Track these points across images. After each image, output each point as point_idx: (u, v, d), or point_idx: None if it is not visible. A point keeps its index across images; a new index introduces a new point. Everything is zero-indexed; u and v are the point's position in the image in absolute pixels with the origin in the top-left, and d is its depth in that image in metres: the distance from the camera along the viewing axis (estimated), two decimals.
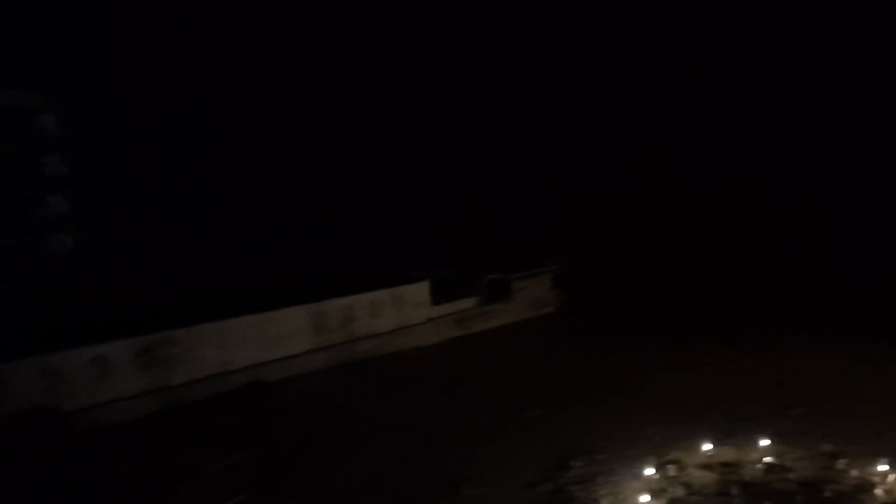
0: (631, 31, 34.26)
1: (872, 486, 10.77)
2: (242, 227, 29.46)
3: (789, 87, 32.64)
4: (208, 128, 33.93)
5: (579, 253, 27.29)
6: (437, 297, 22.45)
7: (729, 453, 11.98)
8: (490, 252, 27.02)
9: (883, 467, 11.05)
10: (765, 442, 12.02)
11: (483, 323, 22.44)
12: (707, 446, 12.06)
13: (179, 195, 33.08)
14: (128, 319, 17.83)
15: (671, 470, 11.43)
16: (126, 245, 30.97)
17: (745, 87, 33.35)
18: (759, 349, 18.82)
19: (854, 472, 11.16)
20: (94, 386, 15.62)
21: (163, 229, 30.34)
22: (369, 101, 34.17)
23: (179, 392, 16.65)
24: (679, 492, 10.83)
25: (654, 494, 10.61)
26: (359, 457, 13.00)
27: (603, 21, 34.36)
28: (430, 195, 32.12)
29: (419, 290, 22.17)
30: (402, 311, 21.57)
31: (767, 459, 11.61)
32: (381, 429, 14.44)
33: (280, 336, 18.87)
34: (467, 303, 23.21)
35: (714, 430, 12.67)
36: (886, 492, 10.62)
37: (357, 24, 35.05)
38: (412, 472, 12.14)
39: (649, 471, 11.37)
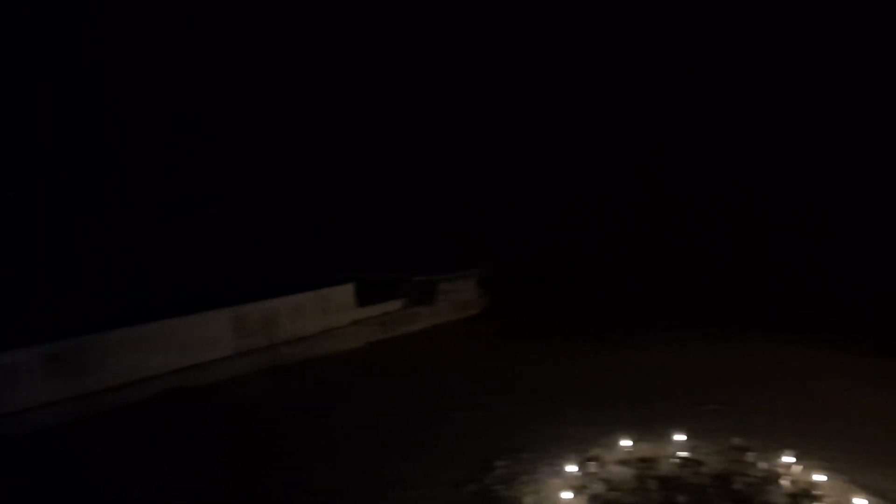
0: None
1: (778, 476, 11.35)
2: (173, 228, 28.46)
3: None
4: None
5: (507, 255, 27.65)
6: (363, 299, 22.36)
7: (646, 449, 12.38)
8: (418, 254, 27.06)
9: (788, 459, 11.67)
10: (680, 437, 12.47)
11: (408, 325, 22.46)
12: (626, 442, 12.43)
13: (109, 195, 31.60)
14: (40, 324, 17.05)
15: (592, 466, 11.73)
16: (43, 246, 29.49)
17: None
18: (679, 347, 19.52)
19: (762, 465, 11.74)
20: (1, 395, 14.88)
21: (89, 228, 28.93)
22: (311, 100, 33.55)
23: (94, 400, 16.03)
24: (599, 488, 11.13)
25: (576, 491, 10.87)
26: (282, 462, 12.82)
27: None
28: (364, 198, 31.85)
29: (343, 293, 22.04)
30: (327, 314, 21.39)
31: (682, 454, 12.06)
32: (304, 433, 14.28)
33: (200, 341, 18.43)
34: (393, 305, 23.22)
35: (633, 427, 13.06)
36: (792, 482, 11.22)
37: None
38: (337, 477, 12.07)
39: (571, 468, 11.65)
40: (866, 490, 11.08)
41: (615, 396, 15.67)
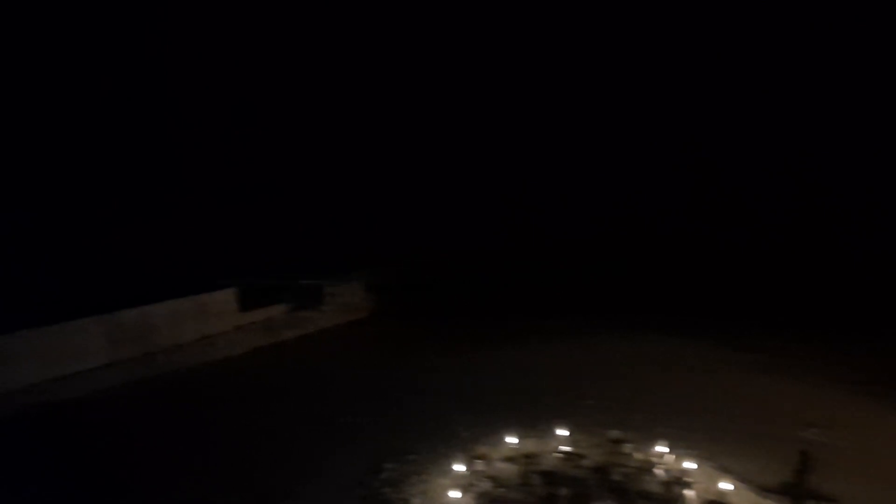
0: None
1: (653, 465, 11.92)
2: (44, 231, 26.56)
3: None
4: None
5: (395, 259, 27.63)
6: (246, 304, 21.70)
7: (531, 445, 12.68)
8: (305, 258, 26.56)
9: (662, 449, 12.27)
10: (562, 432, 12.84)
11: (294, 330, 21.97)
12: (511, 440, 12.68)
13: None
14: None
15: (479, 465, 11.89)
16: None
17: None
18: (562, 345, 20.08)
19: (637, 455, 12.28)
20: None
21: None
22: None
23: None
24: (486, 485, 11.30)
25: (463, 490, 10.99)
26: (164, 477, 12.23)
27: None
28: (249, 203, 30.94)
29: (224, 298, 21.30)
30: (207, 320, 20.61)
31: (564, 448, 12.43)
32: (179, 448, 13.67)
33: (70, 351, 17.32)
34: (277, 309, 22.66)
35: (518, 424, 13.34)
36: (665, 471, 11.80)
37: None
38: (224, 489, 11.64)
39: (458, 467, 11.76)
40: (732, 475, 11.84)
41: (501, 395, 15.96)
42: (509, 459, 12.23)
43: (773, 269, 28.34)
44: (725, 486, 11.22)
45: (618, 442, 12.70)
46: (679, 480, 11.42)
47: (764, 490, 11.16)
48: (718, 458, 12.50)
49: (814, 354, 18.80)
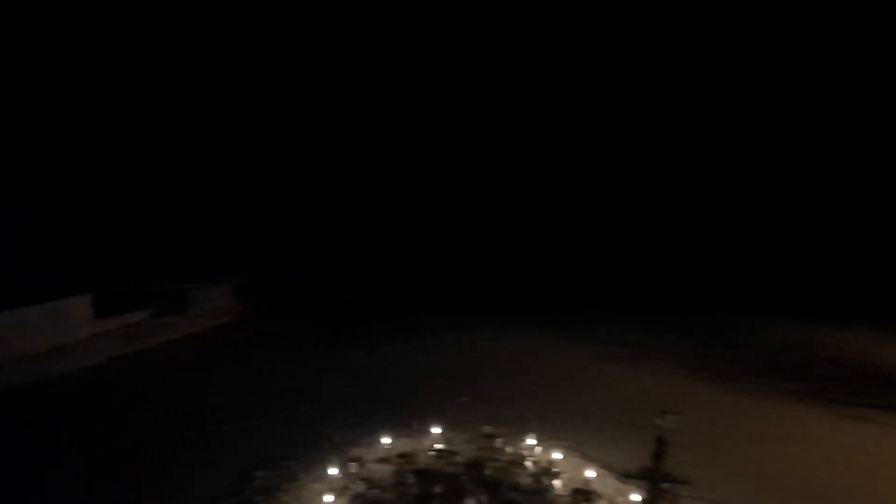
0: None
1: (523, 459, 12.27)
2: None
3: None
4: None
5: (265, 262, 26.93)
6: (104, 310, 20.44)
7: (405, 444, 12.72)
8: (170, 262, 25.37)
9: (531, 442, 12.67)
10: (435, 430, 12.97)
11: (157, 337, 20.94)
12: (385, 440, 12.67)
13: None
14: None
15: (352, 467, 11.80)
16: None
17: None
18: (429, 345, 20.30)
19: (508, 449, 12.61)
20: None
21: None
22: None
23: None
24: (360, 487, 11.23)
25: (337, 493, 10.86)
26: (17, 498, 11.31)
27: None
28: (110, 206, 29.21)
29: (79, 305, 19.99)
30: (60, 329, 19.25)
31: (438, 446, 12.56)
32: (33, 466, 12.70)
33: None
34: (139, 316, 21.51)
35: (392, 425, 13.36)
36: (534, 463, 12.18)
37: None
38: None
39: (332, 471, 11.62)
40: (597, 463, 12.40)
41: (375, 396, 15.93)
42: (383, 460, 12.22)
43: (630, 262, 29.93)
44: (590, 474, 11.72)
45: (489, 437, 12.97)
46: (548, 471, 11.82)
47: (625, 476, 11.75)
48: (583, 447, 13.05)
49: (658, 345, 20.05)
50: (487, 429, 13.32)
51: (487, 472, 11.90)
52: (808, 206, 32.23)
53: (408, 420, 13.77)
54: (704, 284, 26.58)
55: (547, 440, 12.94)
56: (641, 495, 10.78)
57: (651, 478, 10.77)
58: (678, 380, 17.36)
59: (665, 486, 10.82)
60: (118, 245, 26.80)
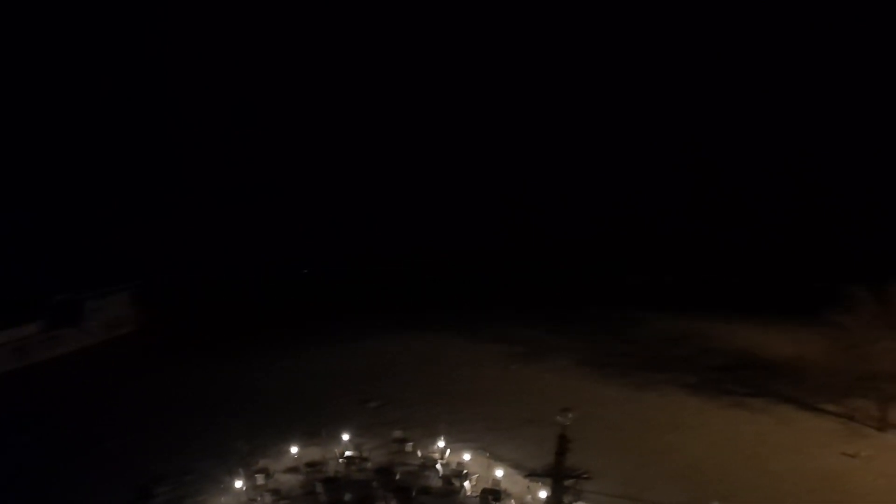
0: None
1: (434, 462, 12.42)
2: None
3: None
4: None
5: (167, 269, 25.91)
6: None
7: (314, 452, 12.64)
8: (66, 270, 24.06)
9: (441, 444, 12.83)
10: (345, 436, 12.95)
11: (50, 350, 19.89)
12: (293, 449, 12.55)
13: None
14: None
15: (259, 479, 11.64)
16: None
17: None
18: (339, 350, 20.12)
19: (419, 453, 12.74)
20: None
21: None
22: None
23: None
24: (267, 499, 11.10)
25: None
26: None
27: None
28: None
29: None
30: None
31: (348, 453, 12.54)
32: None
33: None
34: (29, 329, 20.28)
35: (300, 433, 13.24)
36: (445, 466, 12.35)
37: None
38: None
39: (238, 483, 11.42)
40: (505, 462, 12.69)
41: (282, 404, 15.72)
42: (291, 470, 12.13)
43: (531, 261, 30.40)
44: (499, 473, 11.99)
45: (400, 441, 13.05)
46: (458, 473, 12.01)
47: (532, 474, 12.06)
48: (492, 447, 13.32)
49: (560, 343, 20.61)
50: (398, 433, 13.40)
51: (398, 477, 11.98)
52: (703, 204, 33.62)
53: (317, 427, 13.66)
54: (603, 281, 27.43)
55: (457, 442, 13.14)
56: (548, 492, 11.10)
57: (555, 474, 11.10)
58: (581, 376, 17.93)
59: (569, 482, 11.18)
60: (8, 253, 25.29)
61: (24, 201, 28.69)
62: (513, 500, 11.68)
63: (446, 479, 12.02)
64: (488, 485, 11.85)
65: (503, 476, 12.01)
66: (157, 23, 32.05)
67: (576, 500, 11.00)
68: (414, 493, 11.47)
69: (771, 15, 37.09)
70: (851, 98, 34.14)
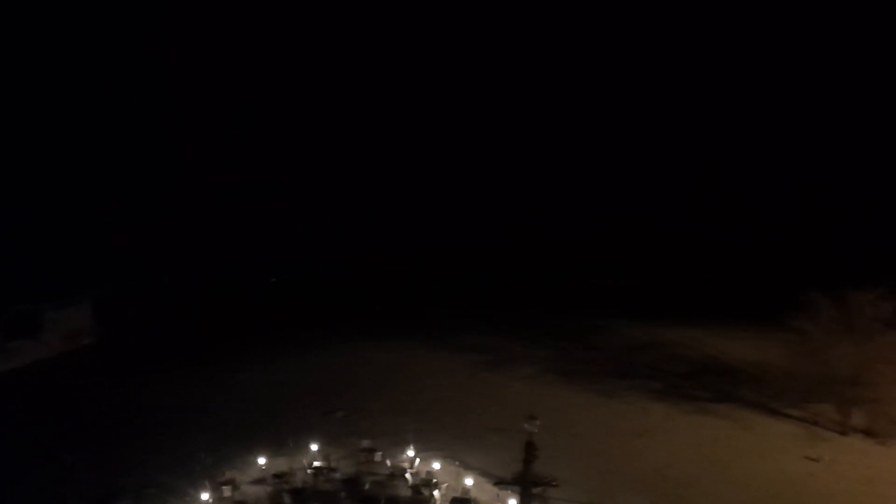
0: None
1: (403, 471, 12.34)
2: None
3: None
4: None
5: (129, 278, 25.33)
6: None
7: (281, 463, 12.48)
8: (18, 279, 23.36)
9: (410, 454, 12.75)
10: (313, 447, 12.81)
11: (6, 363, 19.35)
12: (260, 460, 12.38)
13: None
14: None
15: (225, 491, 11.45)
16: None
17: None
18: (303, 360, 19.92)
19: (388, 462, 12.65)
20: None
21: None
22: None
23: None
24: None
25: None
26: None
27: None
28: None
29: None
30: None
31: (316, 463, 12.40)
32: None
33: None
34: None
35: (267, 444, 13.06)
36: (413, 475, 12.28)
37: None
38: None
39: (203, 496, 11.22)
40: (474, 470, 12.68)
41: (247, 416, 15.48)
42: (258, 481, 11.96)
43: (493, 269, 30.45)
44: (469, 480, 11.97)
45: (368, 451, 12.95)
46: (427, 482, 11.95)
47: (501, 482, 12.08)
48: (461, 455, 13.30)
49: (527, 351, 20.69)
50: (366, 443, 13.29)
51: (366, 487, 11.88)
52: (672, 208, 34.09)
53: (282, 438, 13.48)
54: (558, 288, 27.60)
55: (425, 451, 13.08)
56: (517, 500, 11.12)
57: (524, 482, 11.13)
58: (547, 384, 18.01)
59: (537, 489, 11.22)
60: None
61: None
62: None
63: (415, 488, 11.95)
64: (458, 493, 11.81)
65: (472, 484, 11.98)
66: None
67: None
68: (382, 503, 11.40)
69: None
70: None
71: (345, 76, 36.31)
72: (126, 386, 18.08)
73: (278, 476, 11.98)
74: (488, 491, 11.98)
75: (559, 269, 30.00)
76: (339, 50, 36.51)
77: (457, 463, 12.84)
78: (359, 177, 35.15)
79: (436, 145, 36.67)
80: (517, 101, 38.01)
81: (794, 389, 16.24)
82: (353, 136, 36.11)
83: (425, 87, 37.19)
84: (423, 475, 12.28)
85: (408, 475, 12.23)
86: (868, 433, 15.28)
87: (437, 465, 12.46)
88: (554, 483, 11.38)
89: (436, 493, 11.71)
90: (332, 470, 12.31)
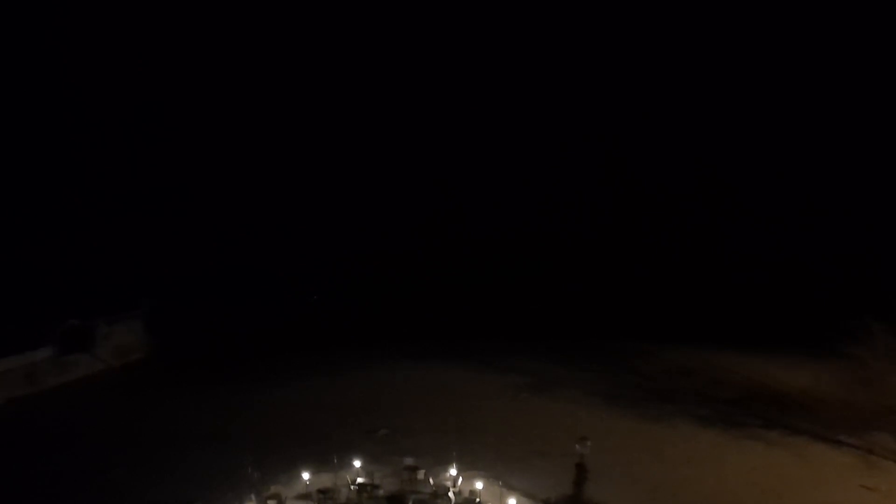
0: None
1: (446, 490, 12.28)
2: None
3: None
4: None
5: (178, 294, 25.87)
6: (2, 348, 19.25)
7: (325, 480, 12.53)
8: (71, 295, 24.04)
9: (452, 472, 12.70)
10: (356, 464, 12.84)
11: (60, 376, 19.89)
12: (305, 476, 12.45)
13: None
14: None
15: None
16: None
17: None
18: (345, 378, 20.05)
19: (431, 481, 12.60)
20: None
21: None
22: None
23: None
24: None
25: None
26: None
27: None
28: None
29: None
30: None
31: (360, 480, 12.43)
32: None
33: None
34: (41, 354, 20.28)
35: (310, 460, 13.13)
36: (456, 494, 12.22)
37: None
38: None
39: None
40: (517, 490, 12.53)
41: (291, 433, 15.61)
42: (304, 497, 12.02)
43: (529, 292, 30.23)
44: (511, 502, 11.84)
45: (411, 469, 12.92)
46: (470, 502, 11.88)
47: (546, 503, 11.95)
48: (504, 476, 13.17)
49: (569, 374, 20.47)
50: (409, 461, 13.27)
51: None
52: (702, 235, 33.70)
53: (327, 454, 13.53)
54: (603, 311, 27.29)
55: (468, 470, 13.00)
56: None
57: None
58: (591, 407, 17.77)
59: None
60: (19, 273, 25.35)
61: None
62: None
63: None
64: None
65: None
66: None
67: None
68: None
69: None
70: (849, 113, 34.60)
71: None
72: (174, 402, 18.42)
73: (322, 492, 12.03)
74: None
75: (605, 290, 29.70)
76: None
77: (500, 483, 12.72)
78: (391, 185, 35.23)
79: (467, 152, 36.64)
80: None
81: (848, 418, 15.75)
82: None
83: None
84: (466, 494, 12.20)
85: (451, 494, 12.17)
86: None
87: (479, 485, 12.36)
88: None
89: None
90: (376, 487, 12.31)
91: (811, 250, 29.98)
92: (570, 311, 27.69)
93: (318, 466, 12.89)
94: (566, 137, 36.77)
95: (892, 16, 32.34)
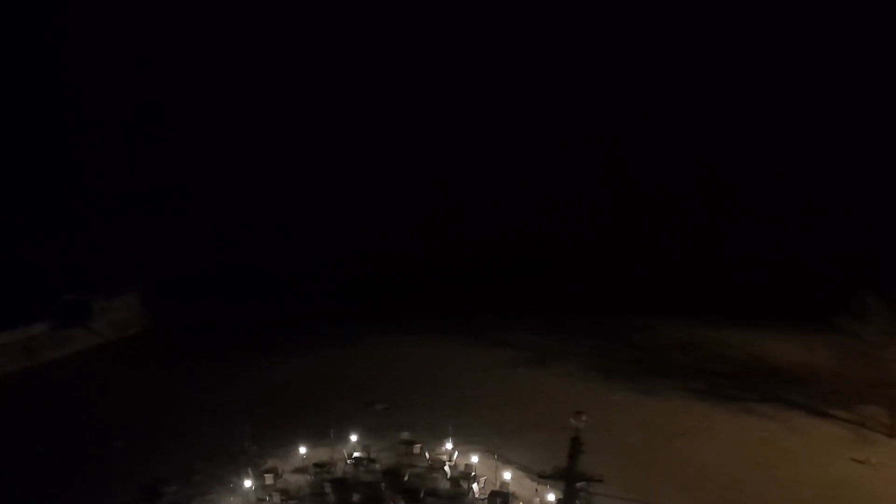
0: None
1: (442, 464, 12.41)
2: None
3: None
4: None
5: (175, 267, 25.82)
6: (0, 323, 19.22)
7: (322, 453, 12.64)
8: (69, 268, 23.98)
9: (448, 446, 12.81)
10: (353, 438, 12.95)
11: (57, 350, 19.90)
12: (302, 450, 12.55)
13: None
14: None
15: (268, 479, 11.64)
16: None
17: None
18: (343, 352, 20.07)
19: (427, 455, 12.72)
20: None
21: None
22: None
23: None
24: (276, 499, 11.10)
25: None
26: None
27: None
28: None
29: None
30: None
31: (356, 454, 12.54)
32: None
33: None
34: (38, 328, 20.28)
35: (307, 434, 13.22)
36: (452, 467, 12.34)
37: None
38: None
39: (247, 483, 11.43)
40: (513, 464, 12.67)
41: (290, 406, 15.66)
42: (300, 471, 12.13)
43: (526, 265, 30.23)
44: (507, 476, 11.97)
45: (408, 443, 13.04)
46: (466, 475, 12.00)
47: (541, 476, 12.02)
48: (500, 450, 13.29)
49: (566, 348, 20.51)
50: (405, 435, 13.38)
51: (406, 478, 11.98)
52: (697, 209, 33.68)
53: (324, 428, 13.63)
54: (601, 286, 27.30)
55: (464, 444, 13.12)
56: (557, 495, 11.08)
57: (567, 477, 11.06)
58: (587, 381, 17.85)
59: (580, 484, 11.14)
60: (16, 251, 25.27)
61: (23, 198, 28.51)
62: (521, 503, 11.67)
63: (454, 481, 12.01)
64: (496, 487, 11.83)
65: (511, 478, 11.98)
66: (159, 23, 31.93)
67: None
68: (422, 495, 11.46)
69: (774, 17, 36.68)
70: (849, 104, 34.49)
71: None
72: (171, 375, 18.46)
73: (319, 465, 12.14)
74: (527, 485, 11.97)
75: (586, 267, 29.70)
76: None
77: (495, 456, 12.84)
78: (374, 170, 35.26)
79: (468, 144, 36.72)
80: (543, 101, 37.87)
81: (842, 391, 15.88)
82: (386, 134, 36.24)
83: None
84: (462, 468, 12.33)
85: (447, 468, 12.30)
86: None
87: (475, 459, 12.49)
88: (599, 479, 11.29)
89: (474, 485, 11.75)
90: (373, 461, 12.44)
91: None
92: (567, 287, 27.70)
93: (315, 441, 12.99)
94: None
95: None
